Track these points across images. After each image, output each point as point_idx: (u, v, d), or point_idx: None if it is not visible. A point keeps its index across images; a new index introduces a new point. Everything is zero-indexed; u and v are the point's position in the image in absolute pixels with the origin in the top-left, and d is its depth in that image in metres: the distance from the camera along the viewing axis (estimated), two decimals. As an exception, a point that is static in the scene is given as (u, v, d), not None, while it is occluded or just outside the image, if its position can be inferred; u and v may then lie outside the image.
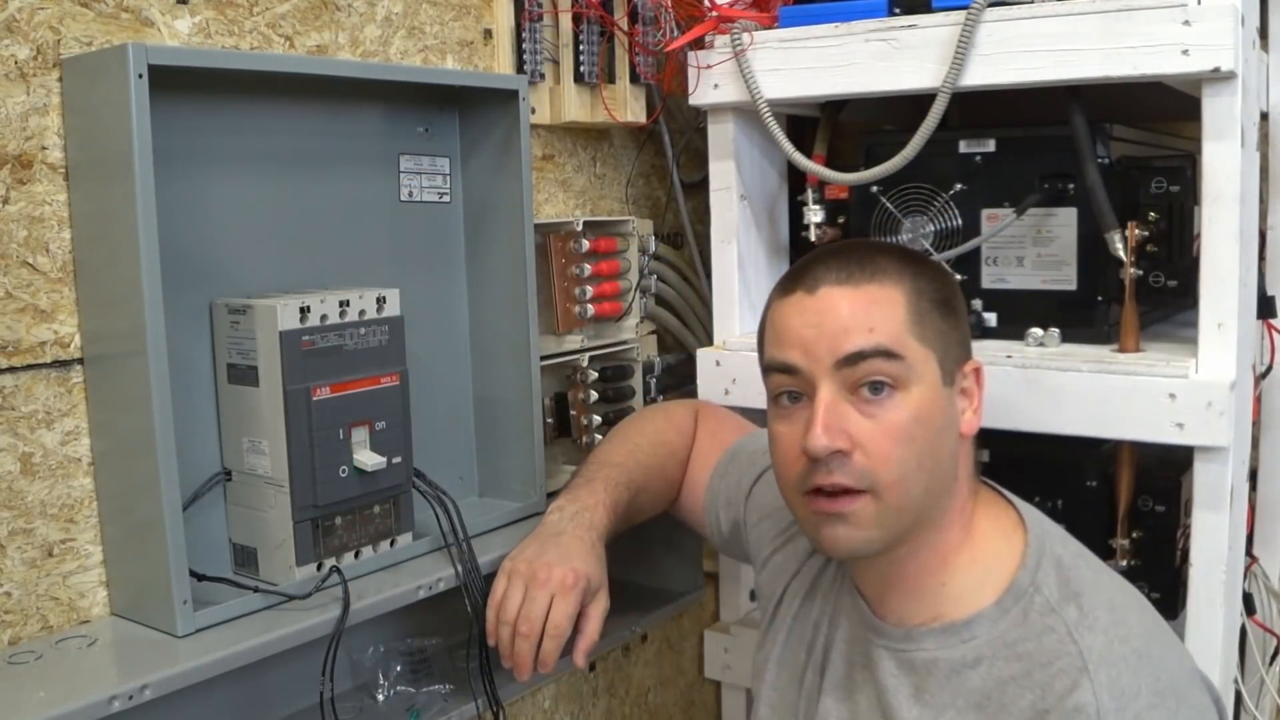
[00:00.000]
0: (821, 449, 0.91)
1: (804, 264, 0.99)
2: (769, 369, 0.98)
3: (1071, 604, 0.91)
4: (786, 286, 0.98)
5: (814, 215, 1.43)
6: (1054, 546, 0.96)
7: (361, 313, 1.12)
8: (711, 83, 1.40)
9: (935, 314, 0.96)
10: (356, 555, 1.14)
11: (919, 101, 1.25)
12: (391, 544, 1.17)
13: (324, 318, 1.09)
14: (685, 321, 1.65)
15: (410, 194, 1.28)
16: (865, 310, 0.93)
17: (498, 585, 1.13)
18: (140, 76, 0.94)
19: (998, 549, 0.96)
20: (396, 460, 1.14)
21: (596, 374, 1.46)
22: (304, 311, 1.07)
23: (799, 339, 0.94)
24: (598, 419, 1.46)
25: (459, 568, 1.16)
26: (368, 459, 1.11)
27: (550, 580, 1.10)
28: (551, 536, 1.15)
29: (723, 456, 1.27)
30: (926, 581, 0.97)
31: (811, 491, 0.93)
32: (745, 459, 1.25)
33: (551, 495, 1.37)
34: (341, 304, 1.10)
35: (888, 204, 1.38)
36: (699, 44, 1.41)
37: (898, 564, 0.98)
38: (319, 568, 1.10)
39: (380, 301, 1.14)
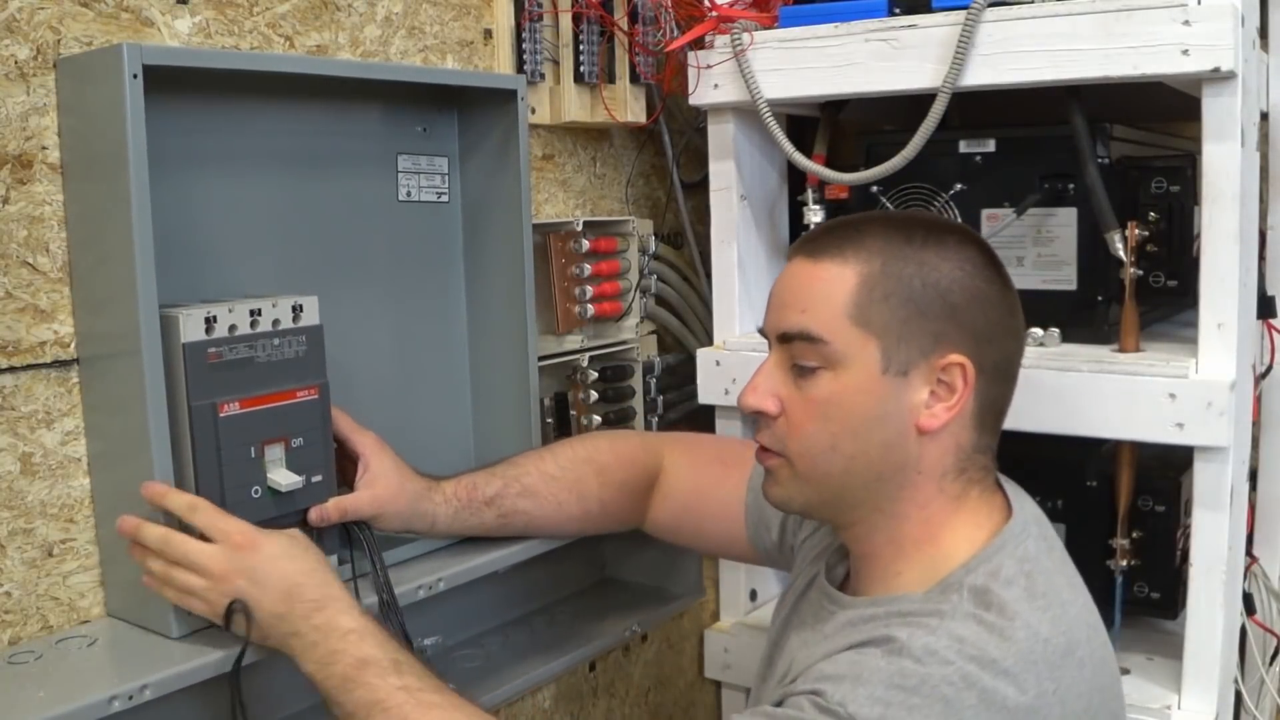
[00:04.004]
0: (744, 406, 0.98)
1: (814, 228, 1.00)
2: None
3: (978, 605, 0.88)
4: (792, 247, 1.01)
5: (814, 215, 1.43)
6: (1006, 560, 0.92)
7: (275, 322, 1.05)
8: (711, 83, 1.40)
9: (893, 302, 0.92)
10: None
11: (919, 101, 1.25)
12: None
13: (233, 328, 1.02)
14: (685, 321, 1.65)
15: (409, 194, 1.28)
16: (807, 289, 0.95)
17: None
18: (135, 77, 0.94)
19: (956, 548, 0.94)
20: (317, 479, 1.07)
21: (596, 374, 1.46)
22: (210, 322, 1.00)
23: (768, 304, 1.00)
24: (598, 419, 1.45)
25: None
26: (282, 478, 1.04)
27: None
28: None
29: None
30: (883, 567, 0.97)
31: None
32: None
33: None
34: (253, 313, 1.03)
35: (888, 204, 1.38)
36: (699, 44, 1.41)
37: (856, 543, 1.00)
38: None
39: (296, 310, 1.06)
